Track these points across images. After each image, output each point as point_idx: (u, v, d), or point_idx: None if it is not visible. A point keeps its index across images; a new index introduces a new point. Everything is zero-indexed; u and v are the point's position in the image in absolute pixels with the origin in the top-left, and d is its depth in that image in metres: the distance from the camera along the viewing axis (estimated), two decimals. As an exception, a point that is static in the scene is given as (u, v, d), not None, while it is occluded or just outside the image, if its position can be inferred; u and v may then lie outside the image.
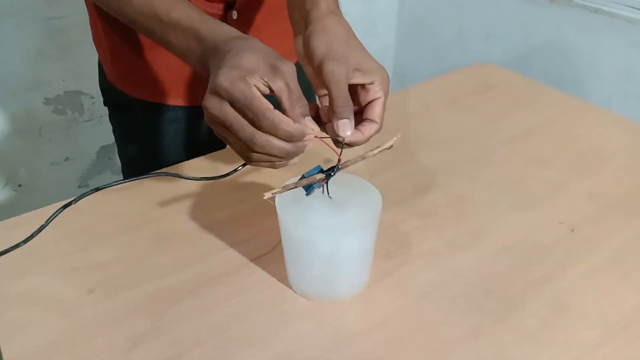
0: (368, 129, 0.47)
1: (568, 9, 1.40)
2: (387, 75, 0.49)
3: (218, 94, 0.42)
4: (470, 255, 0.56)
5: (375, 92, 0.48)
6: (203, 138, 0.80)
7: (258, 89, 0.43)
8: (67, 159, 1.49)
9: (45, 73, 1.37)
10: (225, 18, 0.69)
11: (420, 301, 0.51)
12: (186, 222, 0.60)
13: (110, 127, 0.85)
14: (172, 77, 0.74)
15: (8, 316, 0.49)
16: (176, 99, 0.75)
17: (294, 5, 0.55)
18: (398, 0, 1.91)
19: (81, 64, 1.38)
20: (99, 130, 1.49)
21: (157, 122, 0.77)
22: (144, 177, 0.59)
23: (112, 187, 0.56)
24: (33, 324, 0.49)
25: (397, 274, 0.54)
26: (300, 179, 0.48)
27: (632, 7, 1.30)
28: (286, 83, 0.43)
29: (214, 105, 0.43)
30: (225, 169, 0.56)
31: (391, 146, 0.49)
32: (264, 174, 0.67)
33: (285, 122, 0.42)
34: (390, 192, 0.56)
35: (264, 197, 0.45)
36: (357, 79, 0.48)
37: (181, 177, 0.58)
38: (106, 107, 0.83)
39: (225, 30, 0.48)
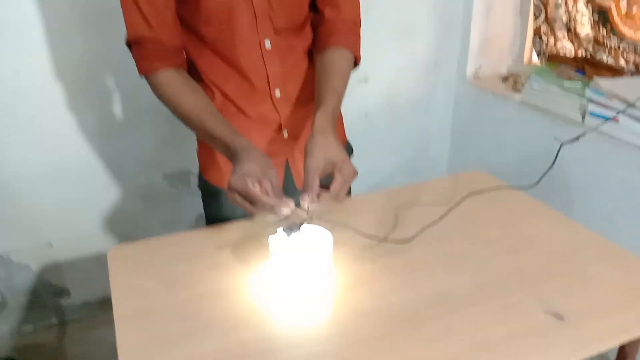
0: (324, 195, 0.84)
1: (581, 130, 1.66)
2: (353, 170, 0.86)
3: (231, 188, 0.81)
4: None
5: (335, 175, 0.85)
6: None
7: (252, 183, 0.81)
8: (173, 221, 1.94)
9: (166, 155, 1.85)
10: (277, 136, 1.08)
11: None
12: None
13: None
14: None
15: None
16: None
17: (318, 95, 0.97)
18: (451, 116, 2.25)
19: (193, 150, 1.85)
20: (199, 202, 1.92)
21: (218, 200, 1.15)
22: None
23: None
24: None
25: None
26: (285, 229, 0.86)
27: None
28: (269, 182, 0.82)
29: (229, 195, 0.83)
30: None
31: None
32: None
33: (268, 202, 0.81)
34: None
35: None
36: (327, 170, 0.86)
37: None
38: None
39: (243, 144, 0.88)
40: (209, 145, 1.11)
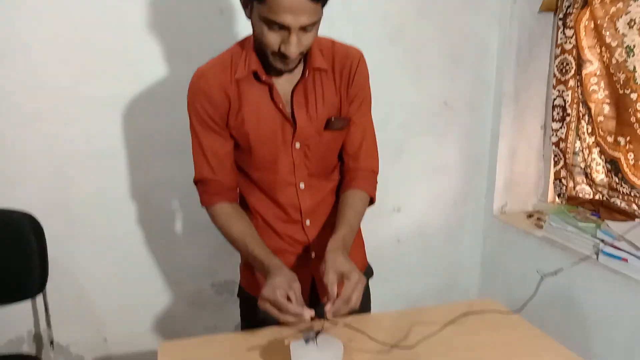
0: (337, 301, 1.02)
1: (595, 267, 1.79)
2: (358, 276, 1.05)
3: (262, 298, 1.02)
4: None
5: (347, 281, 1.04)
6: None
7: (280, 294, 1.01)
8: (215, 326, 2.12)
9: (216, 266, 2.08)
10: (306, 255, 1.29)
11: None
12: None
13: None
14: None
15: None
16: None
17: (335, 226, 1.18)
18: (481, 248, 2.41)
19: (238, 264, 2.08)
20: (240, 311, 2.11)
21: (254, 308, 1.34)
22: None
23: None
24: None
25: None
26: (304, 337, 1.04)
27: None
28: (294, 293, 1.02)
29: (261, 303, 1.03)
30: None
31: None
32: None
33: (292, 309, 1.00)
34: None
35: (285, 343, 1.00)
36: (339, 280, 1.05)
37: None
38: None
39: (274, 262, 1.09)
40: (249, 264, 1.33)
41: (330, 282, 1.06)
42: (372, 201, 1.31)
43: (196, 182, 1.26)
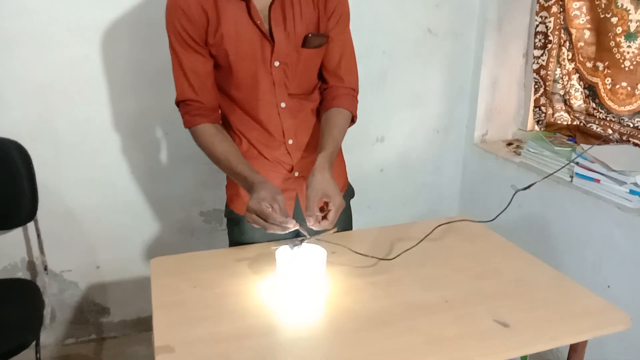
0: (323, 223, 1.08)
1: (569, 189, 1.86)
2: (339, 199, 1.11)
3: (249, 209, 1.07)
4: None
5: (329, 206, 1.10)
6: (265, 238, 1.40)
7: (265, 205, 1.07)
8: (204, 253, 2.19)
9: (203, 196, 2.13)
10: (289, 175, 1.33)
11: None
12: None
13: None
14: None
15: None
16: None
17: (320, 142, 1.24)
18: (461, 175, 2.48)
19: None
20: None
21: (240, 226, 1.40)
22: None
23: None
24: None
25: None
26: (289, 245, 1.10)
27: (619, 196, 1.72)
28: (279, 205, 1.07)
29: (247, 215, 1.08)
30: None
31: (335, 230, 1.09)
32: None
33: (277, 218, 1.06)
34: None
35: (272, 248, 1.06)
36: (323, 200, 1.10)
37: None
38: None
39: (258, 178, 1.14)
40: (234, 181, 1.37)
41: (311, 197, 1.11)
42: (353, 120, 1.34)
43: (178, 103, 1.28)
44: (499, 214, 1.24)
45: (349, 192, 1.47)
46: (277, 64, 1.23)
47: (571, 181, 1.87)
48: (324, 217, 1.13)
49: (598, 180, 1.76)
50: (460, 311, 1.06)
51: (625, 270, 1.71)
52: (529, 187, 1.28)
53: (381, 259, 1.22)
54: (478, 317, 1.04)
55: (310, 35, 1.22)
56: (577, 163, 1.84)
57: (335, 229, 1.16)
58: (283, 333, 1.00)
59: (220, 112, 1.32)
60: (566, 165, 1.86)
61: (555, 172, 1.77)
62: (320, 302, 1.09)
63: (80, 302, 2.10)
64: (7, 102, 1.77)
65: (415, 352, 0.95)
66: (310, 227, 1.13)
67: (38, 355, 1.60)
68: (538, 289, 1.15)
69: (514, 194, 1.25)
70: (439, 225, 1.33)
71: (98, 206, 1.98)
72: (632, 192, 1.67)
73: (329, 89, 1.32)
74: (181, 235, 2.14)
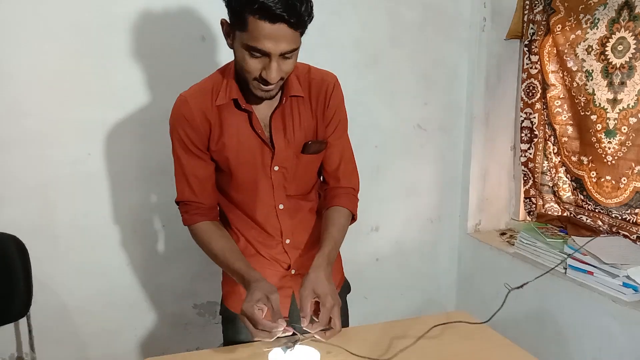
0: (316, 325, 1.07)
1: (563, 281, 1.87)
2: (334, 297, 1.11)
3: (242, 313, 1.07)
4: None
5: (322, 307, 1.10)
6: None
7: (259, 307, 1.07)
8: (198, 348, 2.14)
9: (198, 288, 2.11)
10: (286, 272, 1.34)
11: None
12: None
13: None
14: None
15: None
16: None
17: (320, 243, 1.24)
18: (457, 264, 2.49)
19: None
20: (222, 331, 2.14)
21: (235, 324, 1.39)
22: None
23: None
24: None
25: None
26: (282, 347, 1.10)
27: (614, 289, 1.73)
28: (272, 305, 1.08)
29: (241, 318, 1.09)
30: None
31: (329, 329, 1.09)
32: None
33: (265, 325, 1.06)
34: None
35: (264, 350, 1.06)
36: (314, 299, 1.12)
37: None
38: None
39: (254, 276, 1.15)
40: (231, 278, 1.37)
41: (303, 296, 1.12)
42: (353, 218, 1.37)
43: (178, 202, 1.31)
44: (494, 314, 1.25)
45: (345, 287, 1.48)
46: (276, 168, 1.28)
47: (565, 273, 1.88)
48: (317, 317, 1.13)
49: (592, 273, 1.78)
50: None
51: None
52: (522, 286, 1.29)
53: (376, 359, 1.21)
54: None
55: (309, 142, 1.28)
56: (569, 255, 1.86)
57: (329, 328, 1.15)
58: None
59: (218, 209, 1.35)
60: (561, 262, 1.89)
61: (549, 270, 1.77)
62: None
63: (70, 402, 2.03)
64: (7, 198, 1.81)
65: None
66: (304, 328, 1.12)
67: None
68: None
69: (508, 293, 1.26)
70: (436, 326, 1.32)
71: (92, 299, 1.97)
72: (625, 285, 1.68)
73: (329, 189, 1.36)
74: (174, 329, 2.11)
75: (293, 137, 1.26)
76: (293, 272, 1.35)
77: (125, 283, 2.01)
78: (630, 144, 1.81)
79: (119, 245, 1.98)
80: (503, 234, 2.36)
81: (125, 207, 1.96)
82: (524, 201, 2.33)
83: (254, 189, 1.29)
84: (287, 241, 1.34)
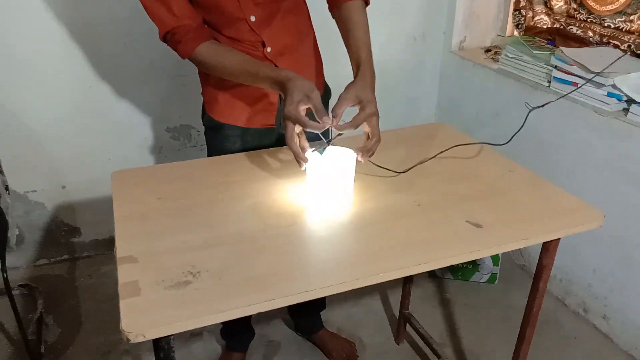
0: (345, 124, 1.01)
1: (546, 94, 1.82)
2: (372, 106, 1.03)
3: (286, 117, 0.99)
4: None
5: (358, 111, 1.03)
6: (251, 146, 1.33)
7: (302, 108, 0.99)
8: (174, 171, 2.13)
9: (170, 111, 2.03)
10: (263, 52, 1.22)
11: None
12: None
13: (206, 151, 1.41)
14: (235, 109, 1.30)
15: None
16: (237, 121, 1.31)
17: (351, 62, 1.14)
18: (438, 85, 2.41)
19: (193, 107, 2.02)
20: (200, 154, 2.11)
21: (219, 133, 1.33)
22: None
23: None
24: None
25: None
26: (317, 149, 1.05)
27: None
28: (314, 104, 0.99)
29: (283, 123, 1.00)
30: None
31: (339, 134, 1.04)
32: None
33: (313, 125, 0.99)
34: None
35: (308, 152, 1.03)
36: (354, 104, 1.04)
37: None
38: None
39: (286, 75, 1.04)
40: (213, 86, 1.28)
41: (343, 98, 1.03)
42: (367, 3, 1.24)
43: (164, 36, 1.16)
44: (514, 135, 1.21)
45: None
46: None
47: (549, 86, 1.82)
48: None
49: (576, 84, 1.71)
50: (433, 214, 1.04)
51: (600, 174, 1.70)
52: (543, 105, 1.25)
53: (400, 172, 1.18)
54: (450, 219, 1.02)
55: None
56: (555, 67, 1.78)
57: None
58: (254, 242, 0.97)
59: (208, 28, 1.21)
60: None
61: (563, 96, 1.71)
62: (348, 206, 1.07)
63: (49, 223, 2.05)
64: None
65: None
66: (332, 127, 1.04)
67: (5, 275, 1.56)
68: (514, 191, 1.12)
69: (529, 113, 1.22)
70: (457, 145, 1.26)
71: (59, 125, 1.89)
72: (610, 94, 1.63)
73: None
74: (149, 154, 2.07)
75: None
76: (269, 50, 1.23)
77: (92, 107, 1.91)
78: (637, -60, 1.63)
79: (81, 66, 1.84)
80: (488, 50, 2.25)
81: (85, 24, 1.78)
82: (512, 14, 2.19)
83: (218, 6, 1.14)
84: (269, 49, 1.22)
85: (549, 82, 1.82)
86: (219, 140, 1.34)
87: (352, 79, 1.10)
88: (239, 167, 1.20)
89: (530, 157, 1.91)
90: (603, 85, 1.62)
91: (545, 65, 1.83)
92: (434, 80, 2.40)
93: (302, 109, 1.00)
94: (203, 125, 1.39)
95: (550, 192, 1.12)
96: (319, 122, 1.00)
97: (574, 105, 1.73)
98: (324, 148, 1.06)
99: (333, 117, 1.02)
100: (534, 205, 1.07)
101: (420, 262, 0.90)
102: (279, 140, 1.34)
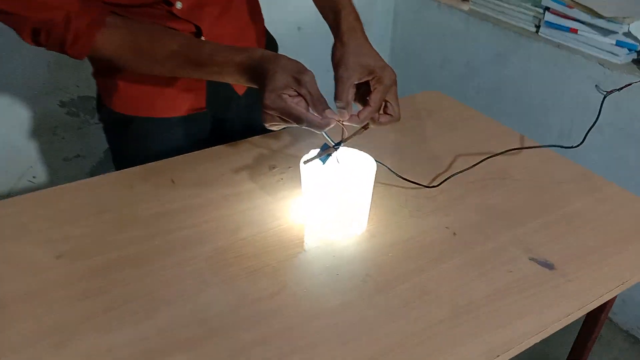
0: (363, 111, 0.67)
1: (534, 42, 1.53)
2: (390, 72, 0.69)
3: (266, 108, 0.63)
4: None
5: (374, 85, 0.69)
6: (176, 143, 0.94)
7: (290, 95, 0.63)
8: (77, 156, 1.66)
9: (62, 79, 1.54)
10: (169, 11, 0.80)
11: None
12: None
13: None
14: (147, 94, 0.88)
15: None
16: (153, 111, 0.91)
17: (325, 15, 0.80)
18: (391, 30, 2.06)
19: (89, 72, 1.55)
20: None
21: (126, 130, 0.92)
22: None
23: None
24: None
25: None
26: (316, 156, 0.67)
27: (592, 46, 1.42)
28: (308, 90, 0.63)
29: (266, 118, 0.64)
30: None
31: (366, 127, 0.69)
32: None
33: (313, 120, 0.63)
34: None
35: (303, 162, 0.67)
36: (363, 78, 0.69)
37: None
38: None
39: (259, 54, 0.67)
40: (107, 69, 0.89)
41: (345, 77, 0.69)
42: None
43: (38, 34, 0.75)
44: (588, 132, 0.90)
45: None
46: None
47: (537, 32, 1.53)
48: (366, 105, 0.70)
49: (575, 30, 1.42)
50: (477, 250, 0.72)
51: (602, 137, 1.46)
52: (620, 89, 0.95)
53: (426, 186, 0.82)
54: (507, 256, 0.70)
55: None
56: (547, 8, 1.47)
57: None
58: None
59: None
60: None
61: (519, 32, 1.39)
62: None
63: None
64: None
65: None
66: (342, 123, 0.69)
67: None
68: (567, 198, 0.82)
69: (604, 98, 0.91)
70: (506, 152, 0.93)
71: None
72: (619, 43, 1.35)
73: None
74: (41, 137, 1.59)
75: None
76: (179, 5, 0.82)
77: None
78: None
79: None
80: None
81: None
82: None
83: None
84: (179, 5, 0.80)
85: (537, 27, 1.52)
86: (128, 140, 0.95)
87: (330, 32, 0.77)
88: (177, 183, 0.81)
89: (517, 119, 1.64)
90: (613, 32, 1.34)
91: (533, 7, 1.52)
92: (387, 25, 2.04)
93: (289, 97, 0.64)
94: (100, 121, 0.99)
95: (612, 196, 0.83)
96: (319, 117, 0.64)
97: (573, 57, 1.45)
98: (329, 155, 0.68)
99: (340, 108, 0.67)
100: (604, 221, 0.78)
101: (482, 352, 0.58)
102: (218, 129, 0.96)
